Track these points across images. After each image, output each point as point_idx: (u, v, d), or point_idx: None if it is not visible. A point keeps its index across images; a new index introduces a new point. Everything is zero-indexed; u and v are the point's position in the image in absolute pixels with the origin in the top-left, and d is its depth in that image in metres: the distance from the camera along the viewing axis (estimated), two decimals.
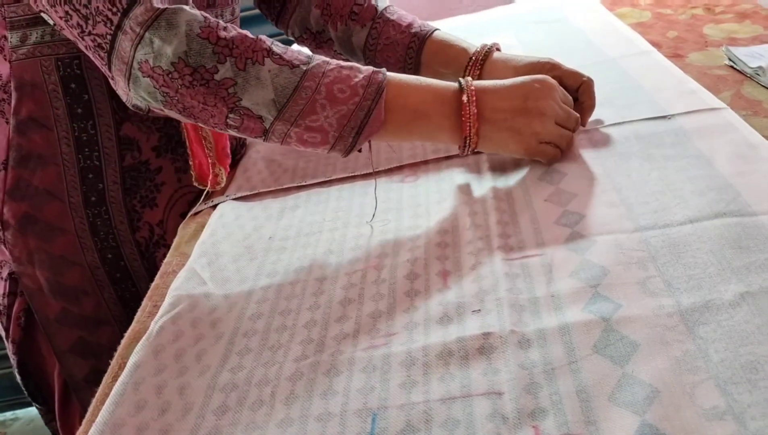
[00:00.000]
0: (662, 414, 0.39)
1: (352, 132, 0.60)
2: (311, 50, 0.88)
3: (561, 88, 0.67)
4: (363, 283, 0.58)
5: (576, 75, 0.73)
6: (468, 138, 0.63)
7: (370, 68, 0.61)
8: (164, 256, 0.72)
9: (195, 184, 0.77)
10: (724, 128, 0.67)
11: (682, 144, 0.66)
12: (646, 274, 0.50)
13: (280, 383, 0.48)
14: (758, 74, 0.79)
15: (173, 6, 0.58)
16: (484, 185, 0.68)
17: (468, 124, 0.62)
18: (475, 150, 0.65)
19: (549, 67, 0.72)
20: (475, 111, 0.62)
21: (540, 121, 0.64)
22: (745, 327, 0.43)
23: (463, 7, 1.73)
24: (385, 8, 0.82)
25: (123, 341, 0.58)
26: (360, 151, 0.63)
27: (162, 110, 0.61)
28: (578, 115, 0.68)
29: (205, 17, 0.58)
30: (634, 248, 0.53)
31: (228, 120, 0.59)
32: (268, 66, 0.57)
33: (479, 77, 0.74)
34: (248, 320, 0.56)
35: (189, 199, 0.80)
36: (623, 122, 0.72)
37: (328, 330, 0.53)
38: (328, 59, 0.61)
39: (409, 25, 0.80)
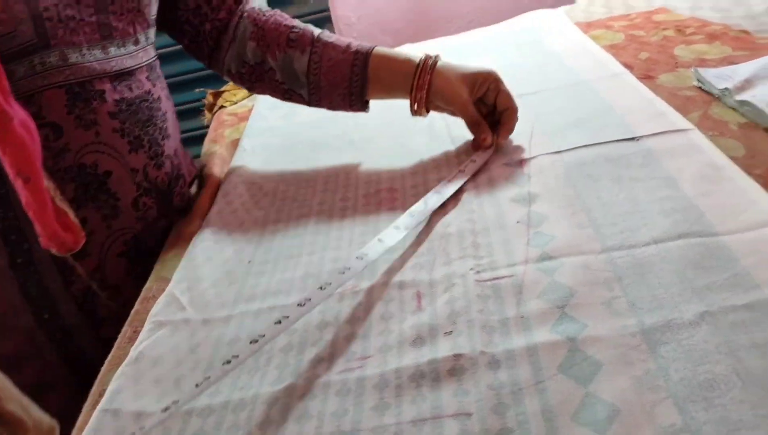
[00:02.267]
0: (622, 433, 0.40)
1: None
2: (249, 84, 0.89)
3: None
4: (340, 305, 0.59)
5: (508, 98, 0.79)
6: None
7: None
8: (107, 299, 0.71)
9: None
10: (691, 149, 0.69)
11: (649, 165, 0.68)
12: (611, 295, 0.51)
13: (256, 407, 0.49)
14: (725, 95, 0.81)
15: None
16: (459, 207, 0.69)
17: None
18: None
19: (492, 79, 0.78)
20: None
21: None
22: (704, 346, 0.45)
23: (443, 28, 1.76)
24: (321, 32, 0.85)
25: (103, 368, 0.59)
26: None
27: None
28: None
29: None
30: (601, 269, 0.55)
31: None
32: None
33: (429, 83, 0.79)
34: (227, 345, 0.57)
35: (126, 238, 0.75)
36: (594, 144, 0.74)
37: (304, 354, 0.54)
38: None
39: (348, 46, 0.83)
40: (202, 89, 1.28)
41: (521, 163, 0.74)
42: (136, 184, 0.75)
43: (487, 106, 0.81)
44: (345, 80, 0.82)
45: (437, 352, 0.50)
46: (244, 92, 1.25)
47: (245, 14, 0.86)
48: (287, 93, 0.87)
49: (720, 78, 0.84)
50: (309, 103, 0.87)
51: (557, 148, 0.75)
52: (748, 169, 0.64)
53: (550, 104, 0.88)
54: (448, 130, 0.87)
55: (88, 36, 0.68)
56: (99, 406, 0.52)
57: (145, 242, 0.77)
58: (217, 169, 0.94)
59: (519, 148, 0.78)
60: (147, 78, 0.77)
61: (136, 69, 0.75)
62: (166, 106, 0.81)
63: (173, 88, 0.89)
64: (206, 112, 1.26)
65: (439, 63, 0.79)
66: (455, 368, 0.48)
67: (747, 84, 0.81)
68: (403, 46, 1.33)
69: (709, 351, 0.44)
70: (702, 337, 0.46)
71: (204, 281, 0.67)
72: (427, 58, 0.79)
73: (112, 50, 0.72)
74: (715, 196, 0.60)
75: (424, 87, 0.79)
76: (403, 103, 0.81)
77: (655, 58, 1.00)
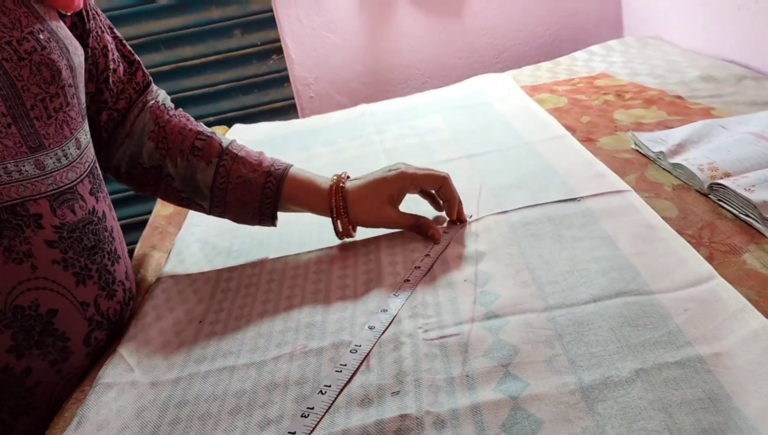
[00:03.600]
0: None
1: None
2: (137, 186, 0.80)
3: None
4: (289, 366, 0.59)
5: (431, 177, 0.75)
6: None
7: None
8: None
9: None
10: (627, 210, 0.73)
11: (589, 225, 0.71)
12: (552, 352, 0.53)
13: None
14: (660, 158, 0.86)
15: None
16: (408, 266, 0.71)
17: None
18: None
19: (401, 176, 0.74)
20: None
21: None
22: (638, 403, 0.47)
23: (398, 89, 1.81)
24: (230, 143, 0.78)
25: (47, 432, 0.58)
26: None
27: None
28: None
29: None
30: (543, 327, 0.57)
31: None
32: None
33: (344, 198, 0.75)
34: (174, 408, 0.56)
35: (77, 379, 0.64)
36: (537, 204, 0.77)
37: (252, 416, 0.54)
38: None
39: (260, 163, 0.76)
40: None
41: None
42: (87, 320, 0.63)
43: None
44: (255, 200, 0.76)
45: (384, 413, 0.51)
46: None
47: (147, 107, 0.77)
48: (185, 201, 0.79)
49: (655, 142, 0.89)
50: (209, 213, 0.79)
51: (503, 208, 0.78)
52: (681, 230, 0.68)
53: (496, 165, 0.91)
54: None
55: (12, 150, 0.57)
56: None
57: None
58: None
59: (467, 208, 0.80)
60: (90, 192, 0.65)
61: (78, 183, 0.63)
62: (111, 221, 0.69)
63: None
64: None
65: (348, 185, 0.75)
66: (401, 428, 0.49)
67: (680, 148, 0.86)
68: (358, 106, 1.37)
69: (643, 408, 0.46)
70: (637, 394, 0.47)
71: (153, 342, 0.66)
72: (338, 180, 0.76)
73: (50, 164, 0.60)
74: (650, 255, 0.64)
75: (341, 214, 0.75)
76: (358, 164, 0.83)
77: (595, 122, 1.05)
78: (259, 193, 0.75)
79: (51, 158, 0.60)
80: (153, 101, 0.78)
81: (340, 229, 0.76)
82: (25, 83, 0.58)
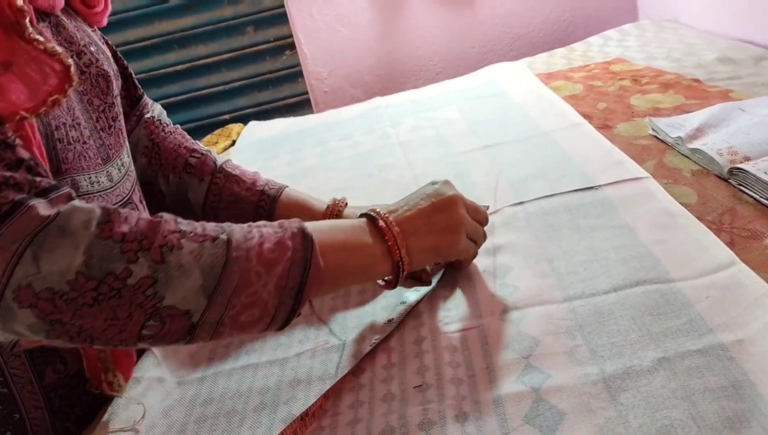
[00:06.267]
0: None
1: (292, 292, 0.50)
2: None
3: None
4: (312, 362, 0.60)
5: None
6: (400, 260, 0.57)
7: (281, 220, 0.53)
8: None
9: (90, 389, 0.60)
10: (646, 198, 0.72)
11: (607, 214, 0.71)
12: (573, 343, 0.53)
13: None
14: (678, 144, 0.85)
15: (66, 207, 0.44)
16: None
17: (396, 246, 0.57)
18: (409, 273, 0.59)
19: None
20: (399, 230, 0.57)
21: (457, 211, 0.60)
22: (661, 392, 0.47)
23: (411, 81, 1.82)
24: (225, 162, 0.76)
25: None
26: (299, 315, 0.53)
27: (40, 341, 0.46)
28: (484, 208, 0.67)
29: (103, 209, 0.45)
30: (563, 318, 0.57)
31: (143, 331, 0.45)
32: (188, 247, 0.46)
33: None
34: (200, 406, 0.57)
35: None
36: (554, 194, 0.77)
37: (276, 413, 0.54)
38: (233, 225, 0.51)
39: (254, 183, 0.74)
40: None
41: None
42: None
43: None
44: (248, 220, 0.66)
45: (407, 407, 0.51)
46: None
47: (143, 122, 0.75)
48: None
49: (673, 127, 0.88)
50: None
51: (520, 199, 0.78)
52: (700, 216, 0.67)
53: (512, 155, 0.91)
54: (416, 182, 0.90)
55: (93, 162, 0.58)
56: None
57: None
58: None
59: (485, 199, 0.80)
60: (139, 200, 0.66)
61: (133, 192, 0.64)
62: None
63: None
64: None
65: (346, 212, 0.72)
66: (423, 422, 0.49)
67: (698, 132, 0.85)
68: (373, 99, 1.37)
69: (666, 397, 0.46)
70: (659, 383, 0.47)
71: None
72: (335, 204, 0.73)
73: (115, 174, 0.61)
74: (670, 243, 0.63)
75: None
76: (374, 157, 0.83)
77: (612, 108, 1.04)
78: (253, 212, 0.73)
79: (115, 168, 0.61)
80: (149, 115, 0.76)
81: (382, 224, 0.70)
82: (90, 96, 0.60)
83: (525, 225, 0.72)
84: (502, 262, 0.67)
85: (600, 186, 0.76)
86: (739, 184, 0.73)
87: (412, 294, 0.65)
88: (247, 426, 0.54)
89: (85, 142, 0.58)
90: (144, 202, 0.68)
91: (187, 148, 0.76)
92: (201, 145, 0.79)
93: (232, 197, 0.73)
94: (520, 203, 0.77)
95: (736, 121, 0.86)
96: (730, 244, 0.62)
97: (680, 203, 0.70)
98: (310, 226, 0.53)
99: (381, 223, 0.57)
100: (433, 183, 0.62)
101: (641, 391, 0.47)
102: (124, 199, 0.62)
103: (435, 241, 0.59)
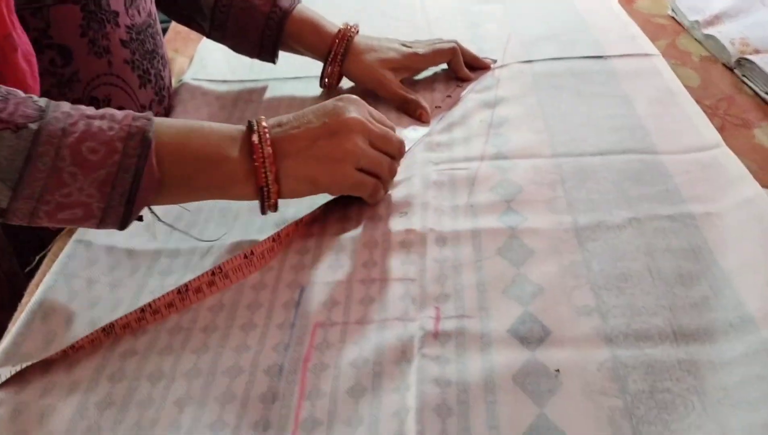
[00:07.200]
0: (542, 307, 0.46)
1: (122, 199, 0.45)
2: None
3: (370, 107, 0.57)
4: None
5: (439, 53, 0.73)
6: (266, 187, 0.50)
7: (129, 113, 0.47)
8: None
9: None
10: (651, 73, 0.73)
11: (610, 83, 0.72)
12: (554, 194, 0.57)
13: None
14: (694, 27, 0.85)
15: None
16: (430, 107, 0.72)
17: (263, 169, 0.50)
18: (277, 203, 0.52)
19: (412, 56, 0.72)
20: (270, 151, 0.50)
21: (349, 138, 0.52)
22: (626, 246, 0.51)
23: None
24: None
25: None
26: (141, 219, 0.51)
27: None
28: (401, 139, 0.58)
29: None
30: (549, 171, 0.59)
31: None
32: None
33: (347, 47, 0.70)
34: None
35: None
36: (562, 58, 0.77)
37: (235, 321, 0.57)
38: (69, 109, 0.46)
39: None
40: None
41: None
42: None
43: None
44: (256, 31, 0.71)
45: (391, 227, 0.55)
46: None
47: None
48: (184, 18, 0.76)
49: (693, 10, 0.87)
50: (208, 36, 0.75)
51: (529, 58, 0.78)
52: (699, 99, 0.69)
53: (529, 14, 0.90)
54: (428, 29, 0.89)
55: None
56: (73, 238, 0.56)
57: None
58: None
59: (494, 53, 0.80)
60: None
61: None
62: (158, 25, 0.70)
63: None
64: None
65: (357, 38, 0.71)
66: (405, 241, 0.53)
67: (716, 19, 0.84)
68: None
69: (629, 251, 0.50)
70: (626, 239, 0.51)
71: None
72: (348, 28, 0.71)
73: None
74: (663, 118, 0.65)
75: (337, 60, 0.71)
76: None
77: None
78: (263, 23, 0.71)
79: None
80: None
81: (326, 81, 0.73)
82: None
83: (530, 83, 0.73)
84: (500, 114, 0.69)
85: (609, 56, 0.77)
86: (743, 75, 0.74)
87: (411, 133, 0.67)
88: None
89: None
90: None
91: None
92: None
93: (244, 4, 0.71)
94: (528, 62, 0.77)
95: (755, 13, 0.85)
96: (720, 129, 0.64)
97: (683, 84, 0.71)
98: (164, 125, 0.48)
99: (255, 137, 0.50)
100: (339, 99, 0.55)
101: (608, 243, 0.51)
102: None
103: (312, 171, 0.52)
